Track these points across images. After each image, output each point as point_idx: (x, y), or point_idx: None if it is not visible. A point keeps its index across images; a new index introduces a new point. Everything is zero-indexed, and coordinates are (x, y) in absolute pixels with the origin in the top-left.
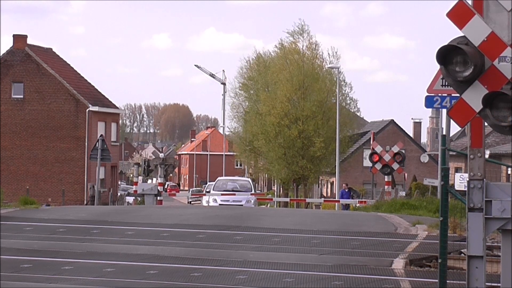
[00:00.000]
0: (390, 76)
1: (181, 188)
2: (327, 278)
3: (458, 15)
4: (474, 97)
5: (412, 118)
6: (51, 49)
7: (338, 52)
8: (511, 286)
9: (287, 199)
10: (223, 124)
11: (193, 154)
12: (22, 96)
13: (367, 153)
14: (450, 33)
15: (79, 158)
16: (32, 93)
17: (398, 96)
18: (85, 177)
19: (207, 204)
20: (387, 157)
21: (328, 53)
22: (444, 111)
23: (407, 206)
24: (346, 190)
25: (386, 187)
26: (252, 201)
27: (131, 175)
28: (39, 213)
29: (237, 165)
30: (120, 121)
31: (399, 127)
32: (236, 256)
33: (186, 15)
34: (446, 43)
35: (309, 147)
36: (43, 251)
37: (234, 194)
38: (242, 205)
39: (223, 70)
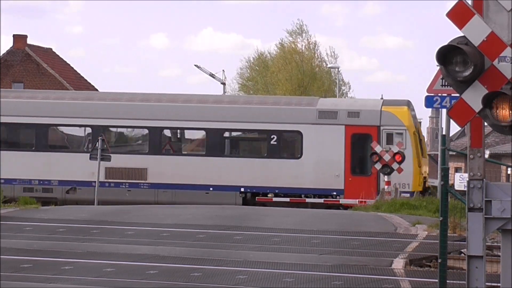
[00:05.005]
0: (389, 76)
1: None
2: (327, 278)
3: (458, 15)
4: (474, 97)
5: None
6: (51, 49)
7: (336, 51)
8: (511, 286)
9: (287, 199)
10: None
11: None
12: None
13: None
14: (449, 33)
15: None
16: None
17: (397, 96)
18: None
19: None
20: (387, 157)
21: (326, 53)
22: (444, 111)
23: (407, 206)
24: None
25: (386, 187)
26: None
27: None
28: (39, 213)
29: None
30: None
31: None
32: (236, 256)
33: (183, 15)
34: (445, 43)
35: None
36: (43, 251)
37: None
38: None
39: (223, 70)
